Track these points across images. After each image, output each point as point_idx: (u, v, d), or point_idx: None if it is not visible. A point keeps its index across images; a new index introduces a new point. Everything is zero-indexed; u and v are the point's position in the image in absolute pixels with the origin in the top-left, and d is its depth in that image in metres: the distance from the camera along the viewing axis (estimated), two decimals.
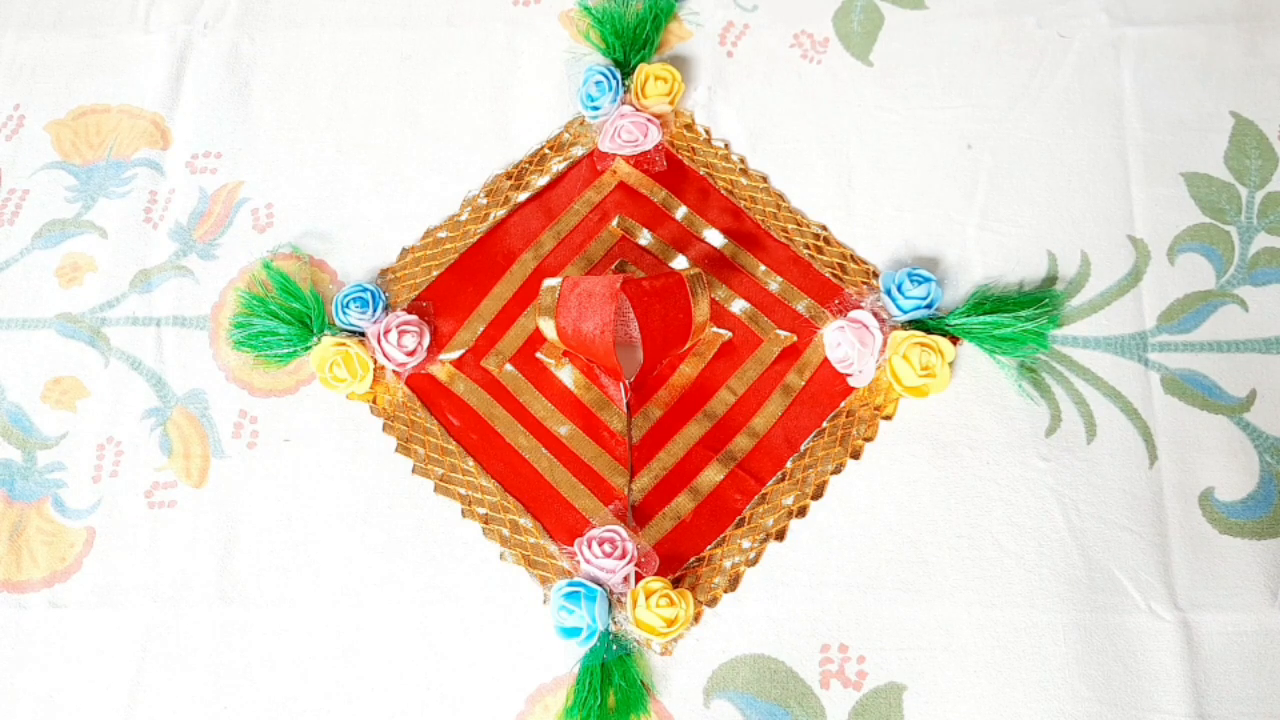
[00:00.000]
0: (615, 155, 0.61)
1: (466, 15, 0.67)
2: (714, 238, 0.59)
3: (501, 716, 0.50)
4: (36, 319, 0.60)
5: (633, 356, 0.56)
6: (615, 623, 0.50)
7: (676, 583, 0.51)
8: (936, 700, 0.49)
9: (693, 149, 0.61)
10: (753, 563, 0.52)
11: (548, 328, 0.54)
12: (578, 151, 0.62)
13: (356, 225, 0.61)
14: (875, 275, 0.57)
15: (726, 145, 0.61)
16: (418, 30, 0.67)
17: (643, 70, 0.61)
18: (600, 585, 0.50)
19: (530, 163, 0.62)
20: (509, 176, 0.61)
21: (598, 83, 0.61)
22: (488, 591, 0.52)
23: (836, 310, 0.56)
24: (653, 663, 0.51)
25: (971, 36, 0.64)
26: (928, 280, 0.55)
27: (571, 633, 0.49)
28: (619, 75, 0.61)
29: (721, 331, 0.57)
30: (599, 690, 0.48)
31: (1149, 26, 0.64)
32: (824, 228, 0.59)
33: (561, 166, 0.61)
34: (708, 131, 0.62)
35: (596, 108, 0.61)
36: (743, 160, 0.61)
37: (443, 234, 0.60)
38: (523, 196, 0.61)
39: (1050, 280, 0.57)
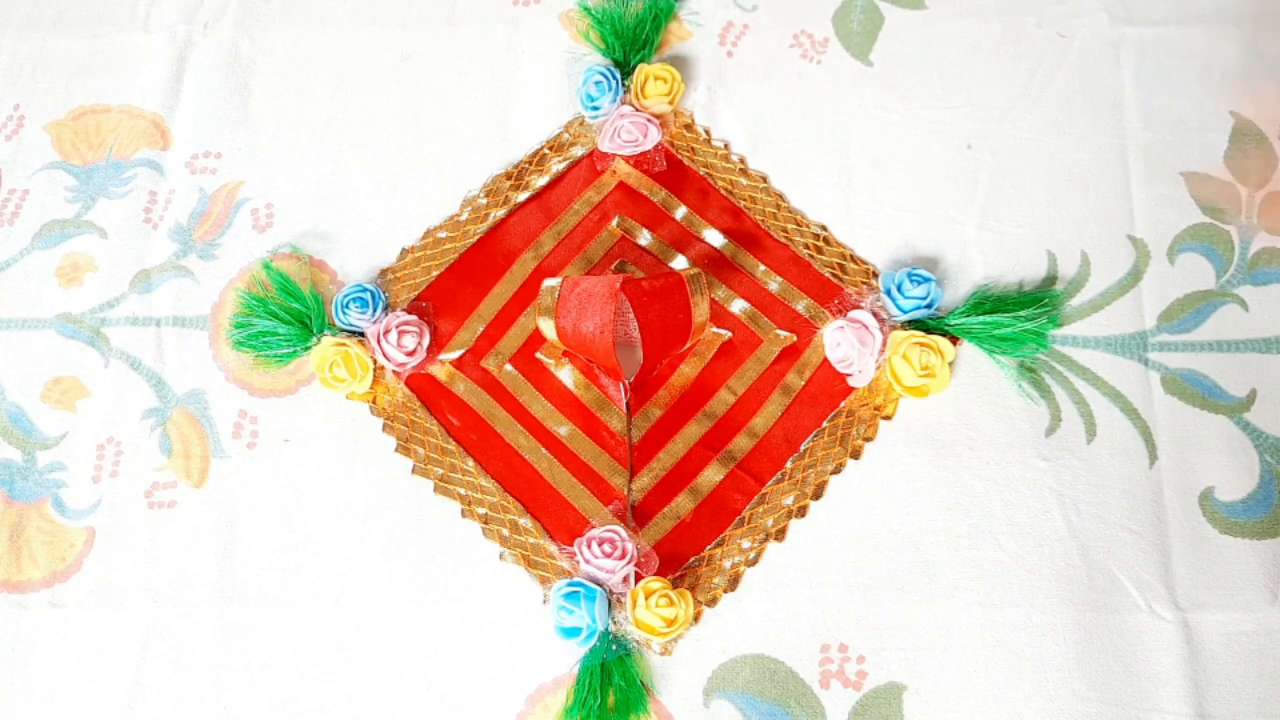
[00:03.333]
0: (615, 155, 0.61)
1: (466, 15, 0.67)
2: (714, 238, 0.59)
3: (501, 716, 0.50)
4: (36, 319, 0.60)
5: (632, 356, 0.56)
6: (615, 623, 0.50)
7: (676, 583, 0.51)
8: (936, 700, 0.49)
9: (692, 149, 0.61)
10: (752, 563, 0.52)
11: (547, 328, 0.54)
12: (577, 151, 0.61)
13: (356, 225, 0.61)
14: (875, 275, 0.57)
15: (726, 145, 0.61)
16: (418, 30, 0.67)
17: (642, 70, 0.61)
18: (600, 585, 0.50)
19: (530, 163, 0.62)
20: (509, 177, 0.61)
21: (597, 83, 0.61)
22: (488, 592, 0.52)
23: (836, 310, 0.56)
24: (652, 663, 0.51)
25: (971, 36, 0.64)
26: (927, 280, 0.55)
27: (571, 633, 0.49)
28: (619, 75, 0.61)
29: (721, 331, 0.57)
30: (599, 690, 0.48)
31: (1149, 26, 0.64)
32: (824, 228, 0.59)
33: (561, 166, 0.61)
34: (707, 132, 0.62)
35: (596, 108, 0.61)
36: (742, 160, 0.61)
37: (442, 234, 0.60)
38: (522, 196, 0.61)
39: (1050, 280, 0.57)
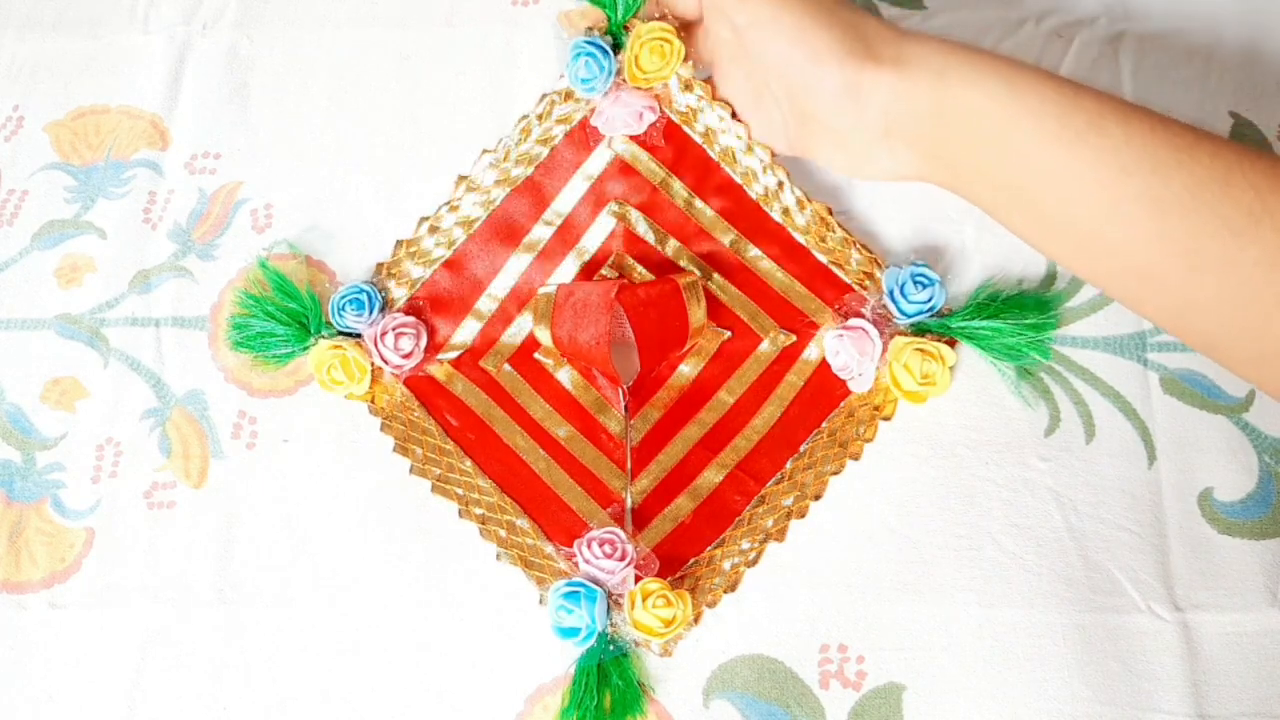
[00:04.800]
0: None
1: (466, 15, 0.67)
2: (715, 225, 0.57)
3: (501, 717, 0.50)
4: (36, 319, 0.60)
5: (630, 359, 0.55)
6: (613, 624, 0.50)
7: (676, 584, 0.51)
8: (936, 700, 0.49)
9: (693, 114, 0.56)
10: (752, 563, 0.52)
11: (543, 336, 0.54)
12: (562, 129, 0.58)
13: (356, 225, 0.61)
14: (879, 265, 0.55)
15: (732, 112, 0.55)
16: (417, 30, 0.67)
17: (636, 41, 0.55)
18: (599, 585, 0.50)
19: (523, 136, 0.58)
20: (505, 159, 0.58)
21: (588, 63, 0.56)
22: (486, 592, 0.52)
23: (838, 314, 0.55)
24: (652, 663, 0.51)
25: (971, 36, 0.64)
26: (931, 284, 0.54)
27: (570, 633, 0.49)
28: (609, 50, 0.56)
29: (721, 331, 0.57)
30: (595, 691, 0.48)
31: (1149, 26, 0.64)
32: (829, 210, 0.56)
33: (556, 133, 0.58)
34: (710, 92, 0.55)
35: (592, 89, 0.57)
36: (748, 132, 0.55)
37: (437, 225, 0.59)
38: (518, 173, 0.58)
39: (1049, 280, 0.57)
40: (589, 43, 0.56)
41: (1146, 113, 0.43)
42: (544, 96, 0.58)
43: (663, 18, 0.55)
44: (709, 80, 0.55)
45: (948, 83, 0.45)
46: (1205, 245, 0.40)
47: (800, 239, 0.56)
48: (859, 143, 0.49)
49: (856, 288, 0.55)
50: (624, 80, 0.57)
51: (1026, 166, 0.44)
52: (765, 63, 0.51)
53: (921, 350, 0.53)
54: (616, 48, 0.57)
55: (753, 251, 0.57)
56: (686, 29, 0.56)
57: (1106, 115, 0.42)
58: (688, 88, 0.56)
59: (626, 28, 0.56)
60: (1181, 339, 0.45)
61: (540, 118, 0.59)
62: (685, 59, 0.55)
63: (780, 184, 0.56)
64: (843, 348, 0.54)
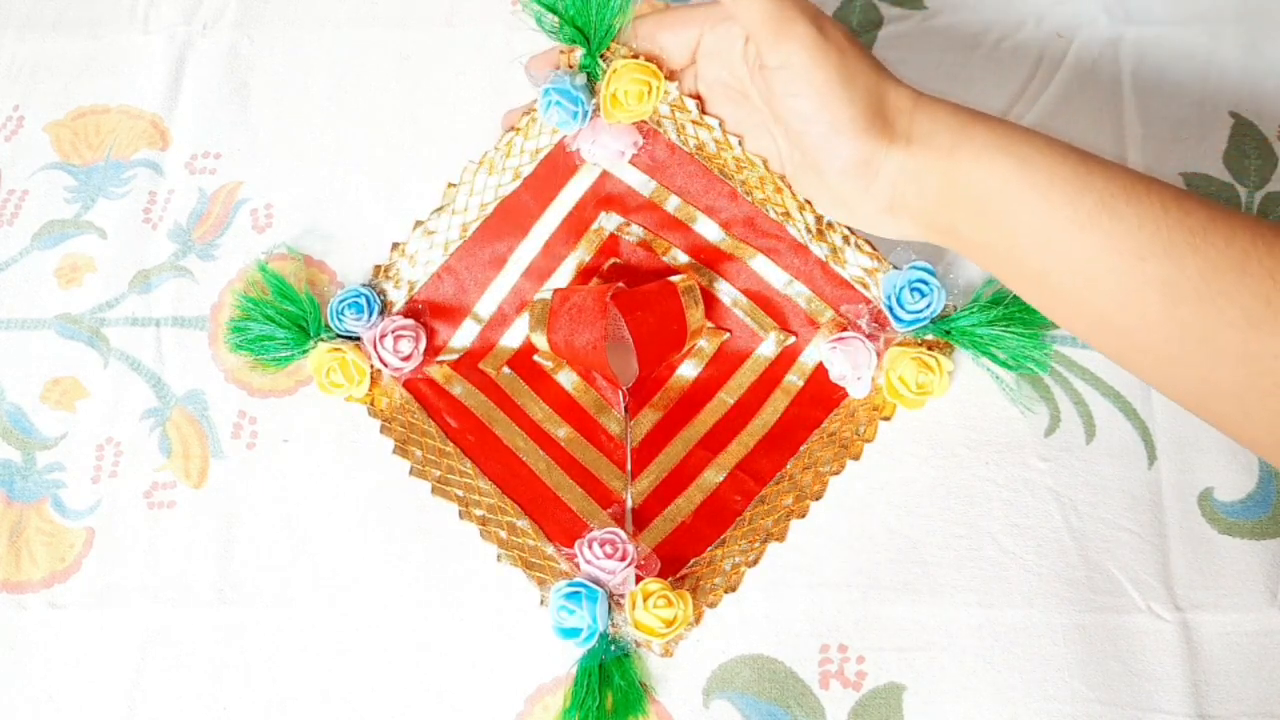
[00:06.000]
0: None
1: (466, 15, 0.67)
2: (710, 229, 0.56)
3: (501, 717, 0.50)
4: (36, 319, 0.60)
5: (629, 361, 0.55)
6: (614, 624, 0.50)
7: (677, 584, 0.51)
8: (936, 700, 0.49)
9: (683, 127, 0.55)
10: (753, 563, 0.52)
11: (540, 341, 0.54)
12: (549, 141, 0.56)
13: (356, 225, 0.61)
14: (880, 262, 0.54)
15: (721, 123, 0.54)
16: (417, 30, 0.67)
17: (612, 80, 0.52)
18: (601, 586, 0.50)
19: (507, 153, 0.57)
20: (491, 171, 0.57)
21: (559, 112, 0.53)
22: (486, 592, 0.52)
23: (834, 323, 0.55)
24: (652, 663, 0.51)
25: (971, 36, 0.64)
26: (929, 291, 0.53)
27: (571, 633, 0.49)
28: (578, 94, 0.53)
29: (721, 331, 0.57)
30: (597, 691, 0.48)
31: (1149, 26, 0.64)
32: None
33: (543, 149, 0.56)
34: (700, 107, 0.54)
35: (570, 130, 0.55)
36: (741, 140, 0.54)
37: (434, 231, 0.58)
38: (507, 182, 0.57)
39: None
40: (558, 90, 0.53)
41: (1159, 189, 0.42)
42: (525, 114, 0.56)
43: (648, 57, 0.53)
44: (698, 95, 0.54)
45: (958, 161, 0.44)
46: (1222, 335, 0.39)
47: (800, 237, 0.55)
48: (862, 208, 0.49)
49: (858, 286, 0.55)
50: (600, 120, 0.54)
51: (1036, 247, 0.43)
52: (782, 116, 0.49)
53: (918, 360, 0.53)
54: (590, 78, 0.54)
55: (751, 252, 0.56)
56: (670, 71, 0.53)
57: (1118, 195, 0.41)
58: (676, 106, 0.54)
59: (604, 57, 0.53)
60: (1202, 419, 0.44)
61: (522, 133, 0.56)
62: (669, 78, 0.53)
63: (779, 188, 0.54)
64: (837, 359, 0.54)
